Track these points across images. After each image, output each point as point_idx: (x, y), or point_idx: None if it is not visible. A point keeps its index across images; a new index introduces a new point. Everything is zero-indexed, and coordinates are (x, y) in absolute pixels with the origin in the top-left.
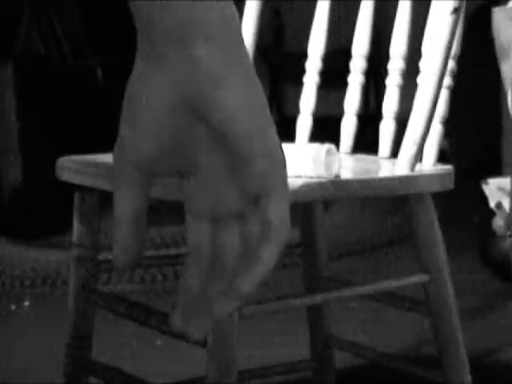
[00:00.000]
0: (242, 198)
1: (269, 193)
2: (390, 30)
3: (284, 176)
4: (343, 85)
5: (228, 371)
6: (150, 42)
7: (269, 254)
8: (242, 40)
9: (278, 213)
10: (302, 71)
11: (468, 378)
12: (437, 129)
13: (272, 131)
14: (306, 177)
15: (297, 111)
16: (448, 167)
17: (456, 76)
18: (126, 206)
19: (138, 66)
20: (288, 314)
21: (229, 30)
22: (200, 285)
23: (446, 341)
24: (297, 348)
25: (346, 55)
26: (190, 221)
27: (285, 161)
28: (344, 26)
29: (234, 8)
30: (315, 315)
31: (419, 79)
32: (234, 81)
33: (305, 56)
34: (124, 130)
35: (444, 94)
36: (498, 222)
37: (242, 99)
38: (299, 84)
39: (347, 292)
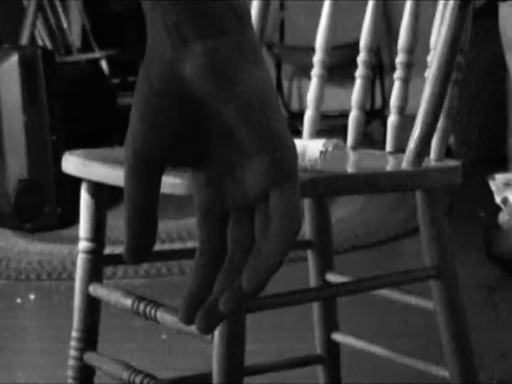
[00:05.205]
0: (251, 192)
1: (279, 186)
2: (399, 24)
3: (294, 169)
4: (346, 79)
5: (234, 366)
6: (160, 35)
7: (278, 249)
8: (254, 32)
9: (289, 206)
10: (308, 65)
11: (476, 373)
12: (444, 123)
13: (282, 123)
14: (313, 171)
15: (302, 106)
16: (455, 162)
17: (463, 71)
18: (137, 200)
19: (148, 58)
20: (294, 309)
21: (240, 23)
22: (209, 280)
23: (453, 336)
24: (303, 343)
25: (350, 49)
26: (200, 216)
27: (295, 153)
28: (350, 19)
29: (244, 0)
30: (322, 310)
31: (427, 74)
32: (246, 74)
33: (310, 50)
34: (134, 124)
35: (451, 89)
36: (504, 218)
37: (254, 92)
38: (304, 78)
39: (353, 287)
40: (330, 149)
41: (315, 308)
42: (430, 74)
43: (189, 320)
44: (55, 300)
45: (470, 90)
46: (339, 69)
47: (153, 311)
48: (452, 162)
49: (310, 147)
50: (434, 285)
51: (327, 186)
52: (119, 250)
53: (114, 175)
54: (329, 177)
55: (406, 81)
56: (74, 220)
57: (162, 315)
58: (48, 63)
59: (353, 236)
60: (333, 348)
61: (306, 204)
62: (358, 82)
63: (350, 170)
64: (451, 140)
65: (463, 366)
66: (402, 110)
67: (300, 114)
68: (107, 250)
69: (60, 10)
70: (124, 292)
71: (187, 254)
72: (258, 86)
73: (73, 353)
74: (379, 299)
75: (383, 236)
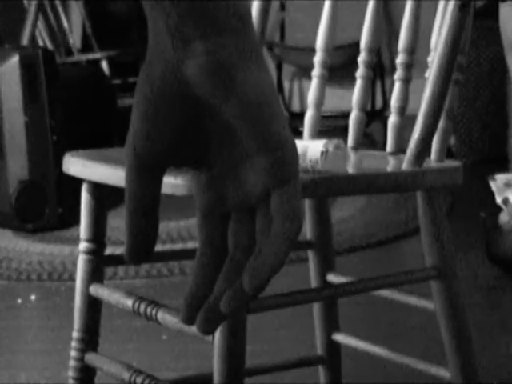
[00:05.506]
0: (252, 192)
1: (280, 186)
2: (399, 24)
3: (295, 168)
4: (346, 79)
5: (235, 366)
6: (161, 35)
7: (280, 249)
8: (254, 32)
9: (290, 206)
10: (308, 66)
11: (476, 373)
12: (445, 124)
13: (283, 123)
14: (314, 172)
15: (302, 106)
16: (456, 163)
17: (464, 71)
18: (138, 200)
19: (149, 58)
20: (295, 309)
21: (241, 22)
22: (210, 280)
23: (454, 336)
24: (303, 343)
25: (350, 49)
26: (200, 216)
27: (296, 153)
28: (350, 19)
29: (245, 0)
30: (322, 310)
31: (427, 74)
32: (246, 74)
33: (311, 50)
34: (135, 124)
35: (452, 89)
36: (505, 218)
37: (255, 92)
38: (305, 79)
39: (354, 287)
40: (330, 149)
41: (316, 308)
42: (431, 74)
43: (189, 320)
44: (56, 300)
45: (470, 91)
46: (340, 69)
47: (154, 312)
48: (453, 163)
49: (310, 148)
50: (435, 285)
51: (328, 186)
52: (120, 250)
53: (114, 176)
54: (329, 177)
55: (406, 81)
56: (74, 221)
57: (162, 316)
58: (49, 64)
59: (353, 236)
60: (333, 349)
61: (307, 204)
62: (359, 83)
63: (350, 170)
64: (452, 140)
65: (464, 366)
66: (402, 110)
67: (301, 115)
68: (108, 251)
69: (61, 10)
70: (125, 292)
71: (188, 254)
72: (258, 85)
73: (73, 353)
74: (380, 300)
75: (384, 236)
